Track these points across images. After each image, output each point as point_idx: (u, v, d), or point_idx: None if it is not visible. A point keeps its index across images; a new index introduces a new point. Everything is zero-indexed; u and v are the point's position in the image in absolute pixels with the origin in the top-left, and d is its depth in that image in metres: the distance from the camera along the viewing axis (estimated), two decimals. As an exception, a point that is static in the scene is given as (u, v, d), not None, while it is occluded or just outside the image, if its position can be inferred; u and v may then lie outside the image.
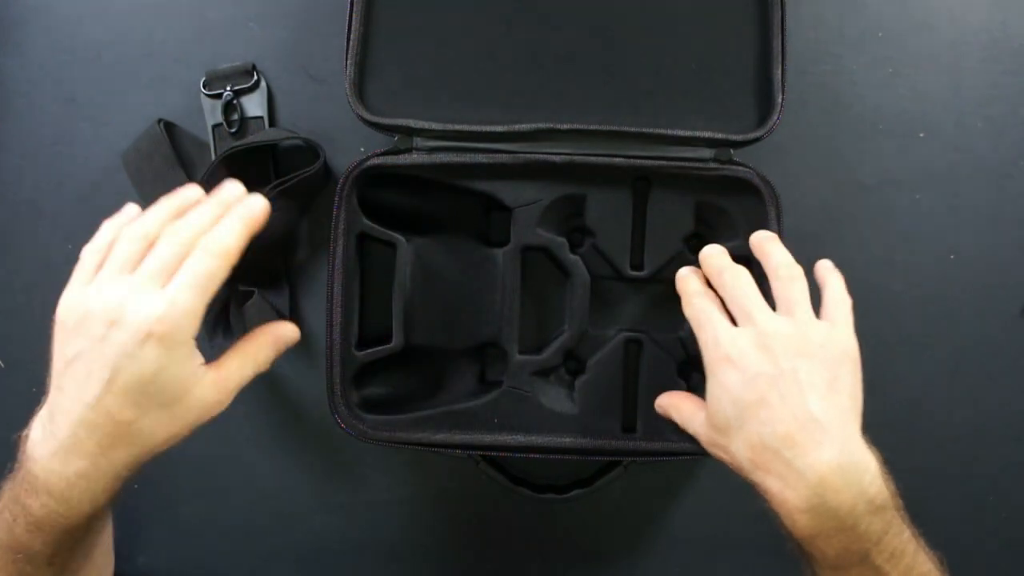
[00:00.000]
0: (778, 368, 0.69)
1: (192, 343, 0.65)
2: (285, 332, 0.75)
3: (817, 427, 0.67)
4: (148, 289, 0.64)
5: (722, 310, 0.74)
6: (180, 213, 0.69)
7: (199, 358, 0.67)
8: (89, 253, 0.70)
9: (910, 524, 0.71)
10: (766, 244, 0.76)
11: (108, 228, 0.71)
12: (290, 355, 0.90)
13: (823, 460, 0.66)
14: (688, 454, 0.82)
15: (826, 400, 0.68)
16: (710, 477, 0.93)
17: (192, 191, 0.71)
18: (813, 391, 0.68)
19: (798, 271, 0.74)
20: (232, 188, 0.71)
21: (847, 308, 0.75)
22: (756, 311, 0.72)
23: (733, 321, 0.73)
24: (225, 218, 0.68)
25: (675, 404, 0.79)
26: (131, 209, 0.72)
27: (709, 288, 0.77)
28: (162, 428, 0.66)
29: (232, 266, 0.67)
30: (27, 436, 0.67)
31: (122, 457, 0.65)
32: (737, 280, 0.74)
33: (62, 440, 0.64)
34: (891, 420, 0.93)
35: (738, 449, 0.70)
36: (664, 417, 0.81)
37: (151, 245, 0.67)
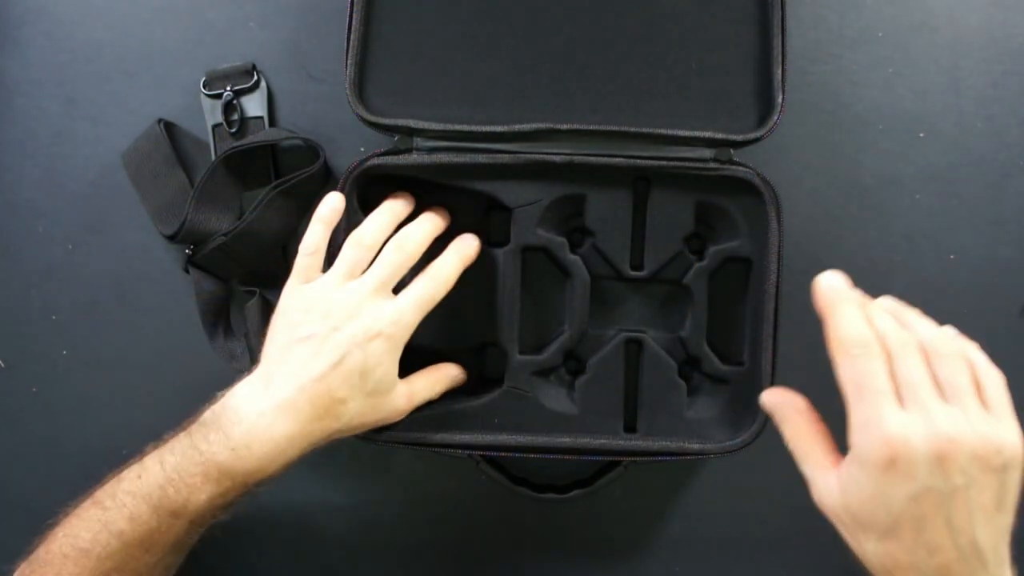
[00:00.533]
0: (950, 485, 0.60)
1: (400, 352, 0.77)
2: (458, 373, 0.86)
3: (977, 559, 0.61)
4: (381, 295, 0.76)
5: (887, 379, 0.63)
6: (395, 222, 0.81)
7: (398, 369, 0.78)
8: (304, 256, 0.79)
9: None
10: (909, 315, 0.68)
11: (319, 225, 0.79)
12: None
13: None
14: (688, 454, 0.82)
15: (992, 524, 0.61)
16: (710, 477, 0.93)
17: (403, 204, 0.83)
18: (982, 515, 0.60)
19: (957, 345, 0.66)
20: (438, 211, 0.83)
21: (1005, 391, 0.65)
22: (930, 399, 0.62)
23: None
24: (448, 252, 0.81)
25: (795, 426, 0.70)
26: (334, 201, 0.80)
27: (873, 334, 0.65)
28: (362, 414, 0.76)
29: (447, 292, 0.79)
30: (227, 396, 0.75)
31: (325, 428, 0.74)
32: (908, 350, 0.64)
33: (280, 401, 0.73)
34: (891, 420, 0.93)
35: (875, 553, 0.63)
36: (770, 414, 0.73)
37: (371, 252, 0.78)
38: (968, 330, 0.91)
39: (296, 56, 0.91)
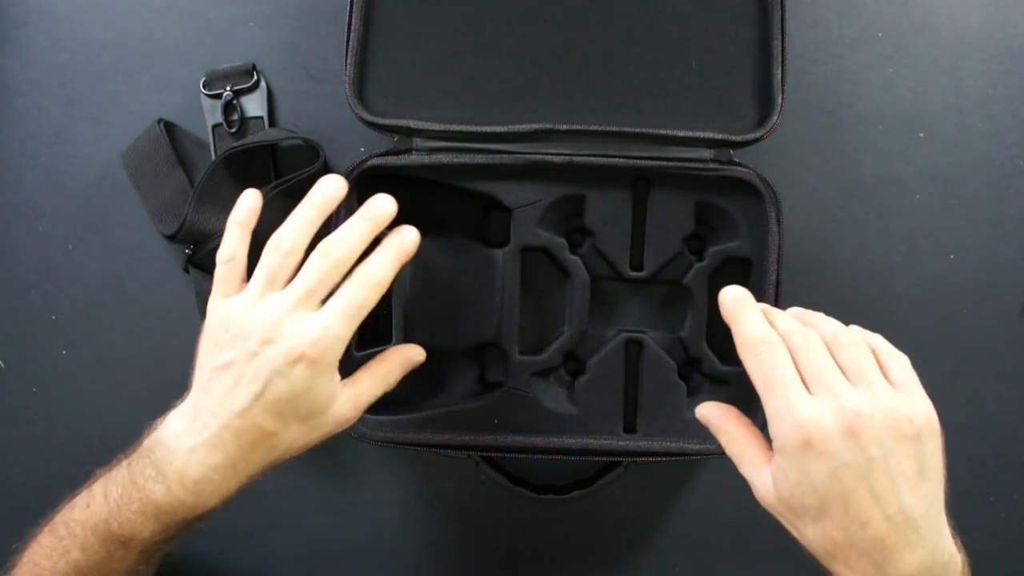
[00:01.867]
0: (867, 457, 0.61)
1: (336, 365, 0.69)
2: (414, 354, 0.78)
3: (910, 527, 0.61)
4: (302, 311, 0.68)
5: (791, 369, 0.64)
6: (321, 219, 0.72)
7: (338, 377, 0.70)
8: (223, 261, 0.72)
9: None
10: (812, 316, 0.69)
11: (234, 229, 0.73)
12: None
13: (914, 563, 0.62)
14: (688, 455, 0.83)
15: (918, 491, 0.62)
16: (710, 477, 0.93)
17: (333, 184, 0.72)
18: (905, 483, 0.62)
19: (859, 335, 0.67)
20: (381, 203, 0.72)
21: (911, 370, 0.67)
22: (836, 381, 0.63)
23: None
24: (381, 249, 0.71)
25: (729, 435, 0.70)
26: (251, 199, 0.74)
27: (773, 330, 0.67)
28: (300, 438, 0.70)
29: (382, 295, 0.70)
30: (161, 427, 0.71)
31: (259, 460, 0.69)
32: (810, 342, 0.65)
33: (207, 438, 0.68)
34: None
35: (814, 537, 0.64)
36: (704, 424, 0.73)
37: (295, 261, 0.70)
38: (968, 330, 0.92)
39: (296, 56, 0.91)
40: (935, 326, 0.93)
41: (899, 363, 0.66)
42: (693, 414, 0.74)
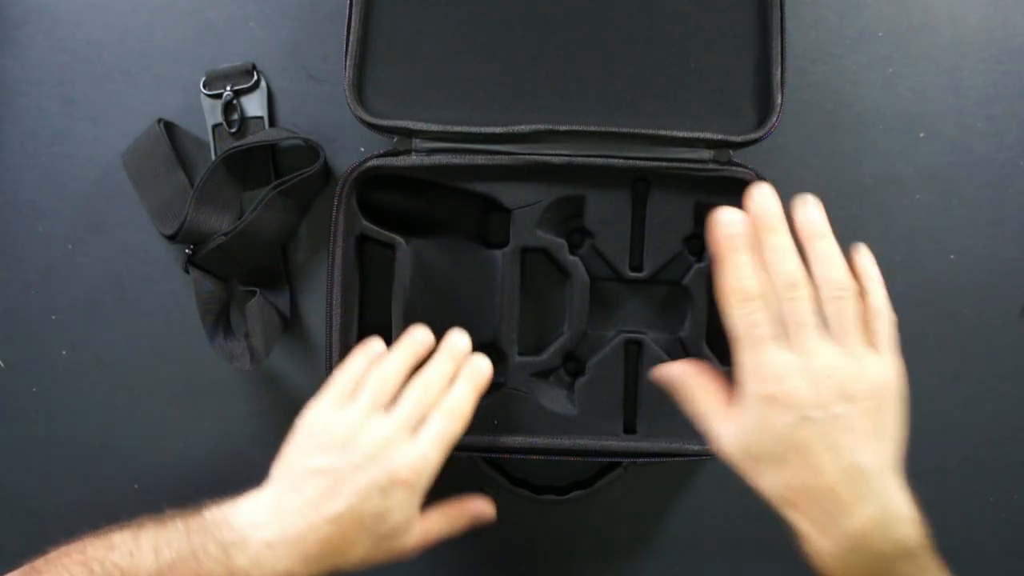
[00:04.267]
0: (828, 413, 0.65)
1: (424, 494, 0.74)
2: (485, 510, 0.82)
3: (861, 478, 0.65)
4: (405, 436, 0.73)
5: (770, 325, 0.67)
6: (418, 357, 0.78)
7: (419, 507, 0.75)
8: (343, 378, 0.77)
9: (941, 562, 0.69)
10: (818, 242, 0.69)
11: (360, 360, 0.78)
12: (290, 355, 0.90)
13: (864, 515, 0.65)
14: (688, 455, 0.83)
15: (873, 448, 0.66)
16: (710, 478, 0.93)
17: (422, 336, 0.79)
18: (861, 440, 0.66)
19: (853, 289, 0.68)
20: (458, 341, 0.78)
21: (892, 328, 0.70)
22: (811, 336, 0.66)
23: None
24: (459, 382, 0.77)
25: (694, 392, 0.73)
26: (377, 345, 0.79)
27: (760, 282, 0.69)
28: (368, 554, 0.73)
29: (467, 425, 0.76)
30: (231, 510, 0.72)
31: (328, 565, 0.72)
32: (798, 292, 0.67)
33: (290, 536, 0.70)
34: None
35: (773, 485, 0.68)
36: (662, 385, 0.76)
37: (396, 386, 0.76)
38: (968, 330, 0.92)
39: (296, 56, 0.91)
40: (935, 326, 0.92)
41: (883, 322, 0.69)
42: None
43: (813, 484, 0.65)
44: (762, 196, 0.69)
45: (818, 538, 0.66)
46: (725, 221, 0.70)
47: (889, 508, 0.66)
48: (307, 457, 0.74)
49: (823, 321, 0.67)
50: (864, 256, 0.71)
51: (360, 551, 0.72)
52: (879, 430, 0.67)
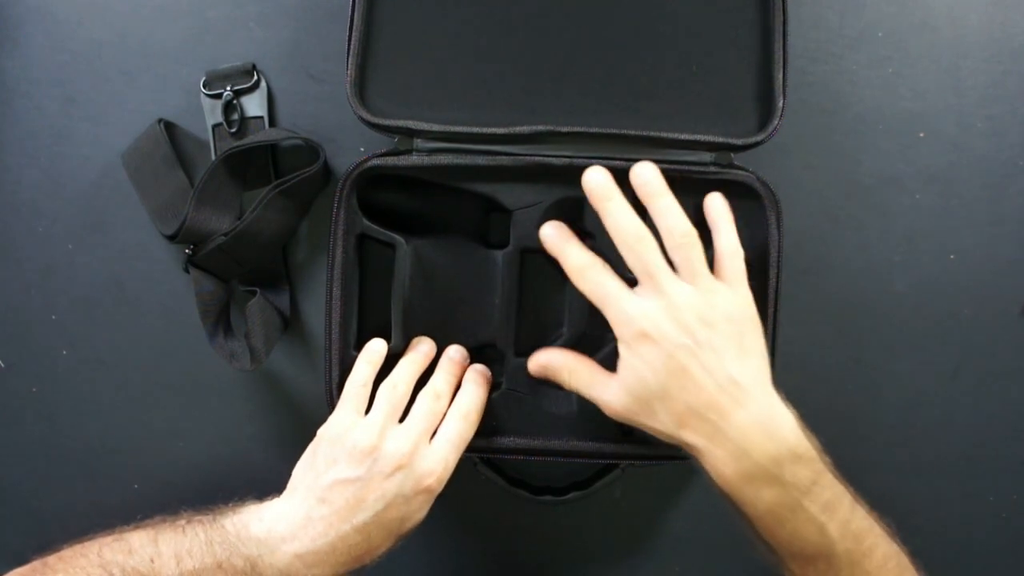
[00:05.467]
0: (695, 339, 0.71)
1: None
2: None
3: (737, 388, 0.71)
4: (424, 444, 0.77)
5: (617, 277, 0.75)
6: (423, 367, 0.82)
7: None
8: (354, 387, 0.80)
9: (846, 484, 0.74)
10: (657, 199, 0.75)
11: (365, 366, 0.81)
12: (290, 355, 0.90)
13: (745, 418, 0.71)
14: (686, 457, 0.82)
15: (740, 362, 0.72)
16: (708, 479, 0.93)
17: (426, 347, 0.84)
18: (729, 357, 0.72)
19: (694, 234, 0.74)
20: (457, 352, 0.84)
21: (741, 264, 0.76)
22: (664, 280, 0.73)
23: (628, 281, 0.75)
24: (467, 385, 0.82)
25: (571, 367, 0.79)
26: (378, 346, 0.82)
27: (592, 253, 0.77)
28: (385, 552, 0.77)
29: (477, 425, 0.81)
30: (253, 521, 0.74)
31: (352, 569, 0.75)
32: (643, 244, 0.73)
33: (320, 546, 0.73)
34: (891, 420, 0.93)
35: (663, 415, 0.73)
36: (542, 376, 0.81)
37: (407, 397, 0.80)
38: (968, 330, 0.92)
39: (296, 56, 0.91)
40: (935, 326, 0.93)
41: (731, 259, 0.76)
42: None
43: (695, 401, 0.71)
44: (593, 173, 0.75)
45: (711, 448, 0.72)
46: (548, 230, 0.78)
47: (767, 409, 0.72)
48: (333, 468, 0.75)
49: (673, 267, 0.74)
50: (714, 199, 0.78)
51: (383, 551, 0.76)
52: (744, 349, 0.73)
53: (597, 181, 0.75)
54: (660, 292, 0.73)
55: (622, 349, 0.74)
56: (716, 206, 0.77)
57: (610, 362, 0.84)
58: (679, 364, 0.71)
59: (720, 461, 0.71)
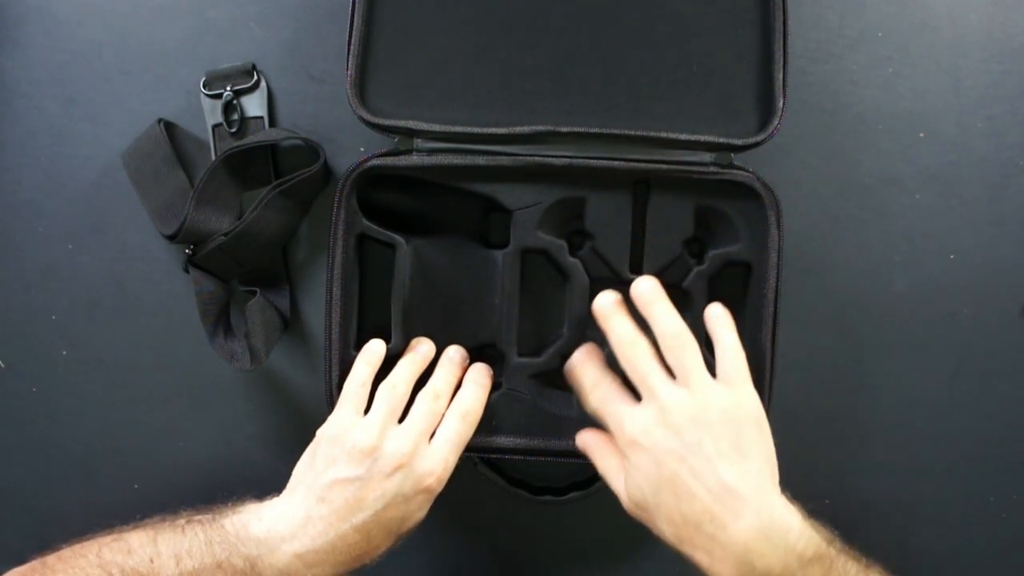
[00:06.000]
0: (683, 442, 0.70)
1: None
2: None
3: (732, 496, 0.69)
4: (424, 444, 0.77)
5: (622, 391, 0.76)
6: (422, 368, 0.82)
7: None
8: (353, 387, 0.80)
9: (857, 558, 0.73)
10: (651, 307, 0.76)
11: (364, 367, 0.81)
12: (290, 355, 0.90)
13: (744, 529, 0.68)
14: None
15: (736, 467, 0.70)
16: None
17: (425, 348, 0.83)
18: (722, 460, 0.70)
19: (688, 336, 0.74)
20: (456, 352, 0.84)
21: (742, 363, 0.75)
22: (656, 384, 0.73)
23: (636, 394, 0.75)
24: (467, 385, 0.82)
25: (598, 453, 0.79)
26: (377, 346, 0.82)
27: (606, 367, 0.79)
28: (384, 551, 0.77)
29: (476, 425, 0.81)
30: (252, 520, 0.75)
31: (352, 569, 0.76)
32: (635, 351, 0.75)
33: (320, 546, 0.73)
34: (891, 420, 0.93)
35: (662, 526, 0.72)
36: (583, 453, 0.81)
37: (406, 396, 0.79)
38: (968, 330, 0.92)
39: (296, 56, 0.91)
40: (935, 326, 0.93)
41: (732, 357, 0.75)
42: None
43: (690, 511, 0.70)
44: (602, 297, 0.78)
45: (713, 565, 0.70)
46: (576, 362, 0.81)
47: (768, 518, 0.69)
48: (332, 467, 0.75)
49: (668, 370, 0.74)
50: (714, 308, 0.78)
51: (383, 550, 0.76)
52: (740, 450, 0.71)
53: (603, 303, 0.78)
54: (653, 397, 0.73)
55: (624, 457, 0.75)
56: (715, 313, 0.77)
57: (611, 363, 0.85)
58: (669, 473, 0.71)
59: None
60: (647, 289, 0.77)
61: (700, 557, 0.70)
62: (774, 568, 0.68)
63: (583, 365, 0.79)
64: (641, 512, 0.74)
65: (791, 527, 0.69)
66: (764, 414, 0.74)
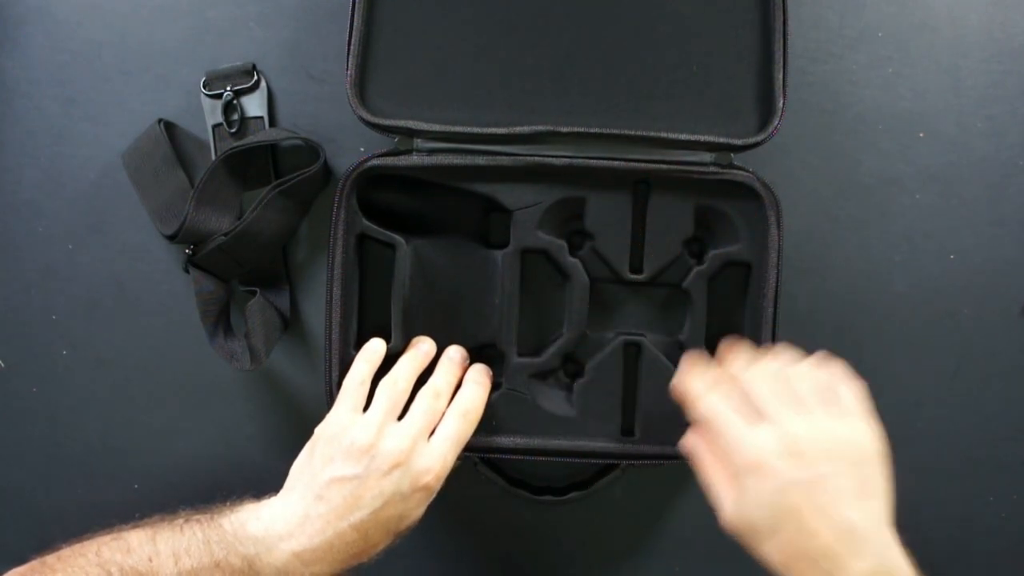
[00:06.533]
0: (810, 475, 0.67)
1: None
2: None
3: (854, 536, 0.66)
4: (422, 442, 0.76)
5: (737, 409, 0.72)
6: (423, 366, 0.82)
7: None
8: (352, 385, 0.80)
9: None
10: (762, 357, 0.76)
11: (363, 365, 0.81)
12: (290, 355, 0.90)
13: (861, 569, 0.66)
14: (686, 458, 0.83)
15: (860, 506, 0.68)
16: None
17: (426, 346, 0.83)
18: (847, 499, 0.67)
19: (806, 369, 0.74)
20: (457, 352, 0.84)
21: (857, 396, 0.73)
22: (777, 412, 0.70)
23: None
24: (468, 384, 0.81)
25: (707, 463, 0.75)
26: (377, 345, 0.82)
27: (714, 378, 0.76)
28: (383, 550, 0.77)
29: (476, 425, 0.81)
30: (250, 519, 0.74)
31: (350, 567, 0.75)
32: (754, 381, 0.73)
33: (317, 544, 0.73)
34: (891, 420, 0.93)
35: (770, 552, 0.69)
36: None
37: (406, 394, 0.79)
38: (968, 330, 0.92)
39: (296, 56, 0.91)
40: (935, 326, 0.93)
41: (848, 392, 0.73)
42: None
43: (807, 546, 0.67)
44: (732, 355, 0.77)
45: None
46: (687, 382, 0.77)
47: (886, 562, 0.67)
48: (330, 465, 0.75)
49: (788, 401, 0.71)
50: (819, 353, 0.76)
51: (380, 548, 0.76)
52: (864, 488, 0.69)
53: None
54: (775, 423, 0.70)
55: (735, 477, 0.71)
56: (819, 354, 0.76)
57: (612, 363, 0.85)
58: (791, 504, 0.67)
59: None
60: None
61: None
62: None
63: (695, 373, 0.76)
64: (747, 533, 0.70)
65: (902, 571, 0.67)
66: (884, 453, 0.71)
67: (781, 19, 0.81)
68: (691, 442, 0.77)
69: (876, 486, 0.69)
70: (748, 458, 0.69)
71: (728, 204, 0.83)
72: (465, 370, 0.83)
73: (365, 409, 0.78)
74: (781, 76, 0.81)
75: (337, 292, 0.82)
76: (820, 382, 0.73)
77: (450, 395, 0.81)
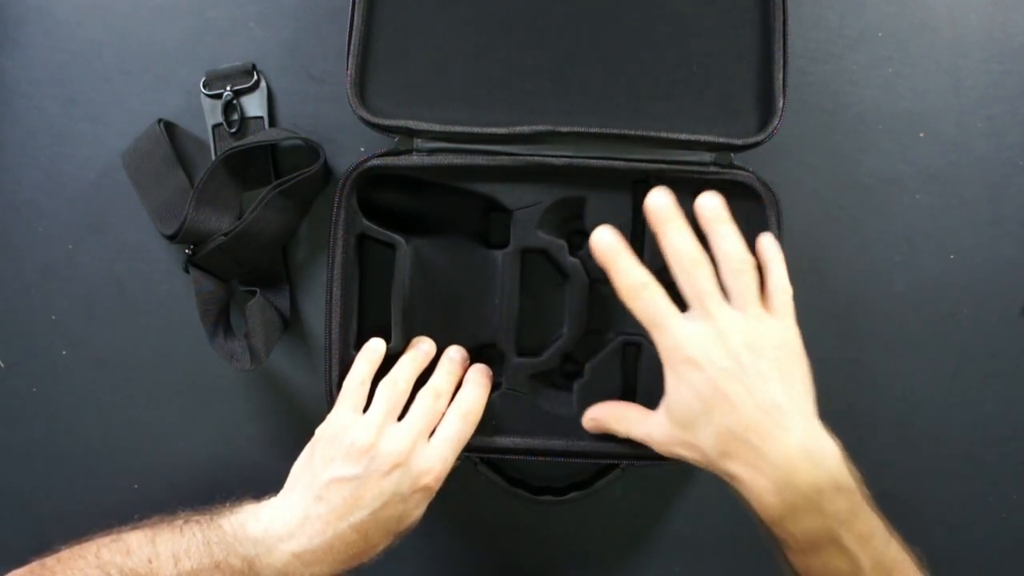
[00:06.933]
0: (739, 363, 0.72)
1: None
2: None
3: (781, 414, 0.71)
4: (422, 442, 0.77)
5: (669, 299, 0.75)
6: (423, 366, 0.82)
7: None
8: (352, 385, 0.80)
9: (882, 515, 0.73)
10: (718, 225, 0.76)
11: (363, 364, 0.81)
12: (290, 355, 0.90)
13: (790, 444, 0.70)
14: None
15: (786, 391, 0.72)
16: (709, 478, 0.92)
17: (427, 346, 0.84)
18: (773, 383, 0.72)
19: (751, 262, 0.75)
20: (457, 352, 0.84)
21: (789, 298, 0.77)
22: (714, 305, 0.74)
23: (678, 301, 0.75)
24: (468, 384, 0.82)
25: (617, 414, 0.81)
26: (377, 345, 0.82)
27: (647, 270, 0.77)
28: (383, 550, 0.77)
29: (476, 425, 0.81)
30: (250, 520, 0.75)
31: (350, 568, 0.76)
32: (698, 269, 0.75)
33: (317, 545, 0.73)
34: (891, 420, 0.93)
35: (706, 441, 0.73)
36: (598, 431, 0.82)
37: (406, 395, 0.80)
38: (968, 330, 0.92)
39: (296, 56, 0.91)
40: (935, 326, 0.93)
41: (782, 294, 0.76)
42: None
43: (736, 423, 0.71)
44: (658, 195, 0.76)
45: (753, 477, 0.71)
46: (600, 235, 0.78)
47: (813, 438, 0.71)
48: (330, 465, 0.75)
49: (725, 292, 0.75)
50: (767, 238, 0.78)
51: (380, 549, 0.76)
52: (788, 377, 0.73)
53: (660, 203, 0.76)
54: (709, 317, 0.73)
55: (668, 375, 0.75)
56: (769, 246, 0.78)
57: (611, 364, 0.85)
58: (722, 387, 0.71)
59: (763, 490, 0.70)
60: (716, 205, 0.76)
61: (740, 470, 0.71)
62: (810, 486, 0.69)
63: (620, 254, 0.77)
64: (683, 432, 0.75)
65: (833, 453, 0.71)
66: (803, 349, 0.76)
67: (781, 19, 0.81)
68: (599, 409, 0.82)
69: (799, 377, 0.74)
70: (687, 353, 0.73)
71: (728, 204, 0.83)
72: (465, 370, 0.83)
73: (365, 409, 0.78)
74: (781, 76, 0.81)
75: (337, 292, 0.82)
76: (766, 277, 0.77)
77: (450, 395, 0.81)
